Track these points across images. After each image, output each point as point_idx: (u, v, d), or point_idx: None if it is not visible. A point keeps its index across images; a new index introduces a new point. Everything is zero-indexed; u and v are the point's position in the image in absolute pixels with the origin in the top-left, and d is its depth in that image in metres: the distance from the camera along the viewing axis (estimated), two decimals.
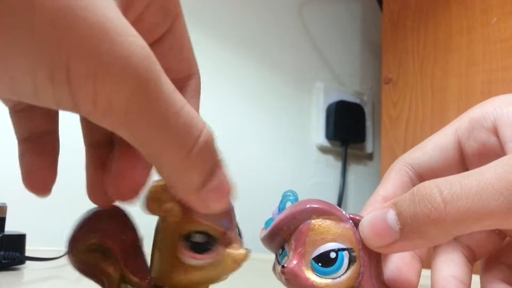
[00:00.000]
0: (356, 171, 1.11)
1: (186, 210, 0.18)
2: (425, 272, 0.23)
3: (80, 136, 0.21)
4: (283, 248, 0.20)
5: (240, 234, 0.20)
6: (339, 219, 0.20)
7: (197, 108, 0.21)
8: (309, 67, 1.06)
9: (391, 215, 0.18)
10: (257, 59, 0.98)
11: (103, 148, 0.20)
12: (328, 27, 1.10)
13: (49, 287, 0.45)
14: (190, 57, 0.20)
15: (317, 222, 0.19)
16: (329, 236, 0.19)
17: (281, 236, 0.20)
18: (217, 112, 0.91)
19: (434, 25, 0.87)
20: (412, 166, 0.23)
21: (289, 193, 0.21)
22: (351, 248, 0.19)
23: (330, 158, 1.07)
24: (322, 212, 0.20)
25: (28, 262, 0.51)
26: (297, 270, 0.19)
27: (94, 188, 0.20)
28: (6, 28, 0.12)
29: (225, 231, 0.19)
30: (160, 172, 0.16)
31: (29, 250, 0.51)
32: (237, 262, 0.19)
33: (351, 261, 0.19)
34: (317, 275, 0.19)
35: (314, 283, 0.19)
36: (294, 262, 0.19)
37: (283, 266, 0.19)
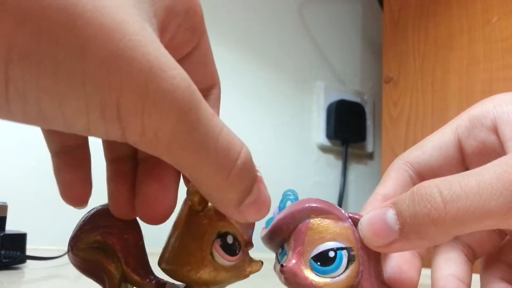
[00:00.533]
0: (356, 170, 1.11)
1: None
2: (425, 271, 0.23)
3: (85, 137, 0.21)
4: (282, 248, 0.20)
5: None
6: (338, 218, 0.20)
7: (218, 115, 0.22)
8: (309, 67, 1.06)
9: (391, 215, 0.18)
10: (258, 58, 0.98)
11: (125, 162, 0.20)
12: (329, 27, 1.10)
13: (50, 286, 0.45)
14: (214, 70, 0.22)
15: (315, 221, 0.19)
16: (328, 235, 0.19)
17: (280, 236, 0.20)
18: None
19: (435, 24, 0.87)
20: (412, 165, 0.23)
21: (289, 192, 0.21)
22: (350, 247, 0.19)
23: (330, 157, 1.07)
24: (321, 211, 0.20)
25: (28, 261, 0.51)
26: (296, 269, 0.19)
27: (118, 203, 0.20)
28: (61, 75, 0.12)
29: (249, 239, 0.20)
30: (201, 190, 0.17)
31: (30, 249, 0.51)
32: (252, 272, 0.19)
33: (350, 260, 0.19)
34: (316, 274, 0.19)
35: (313, 282, 0.19)
36: (293, 261, 0.19)
37: (282, 265, 0.19)
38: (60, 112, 0.13)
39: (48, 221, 0.71)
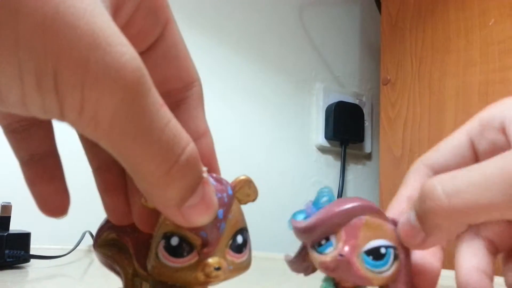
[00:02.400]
0: (355, 171, 1.12)
1: None
2: (445, 273, 0.23)
3: (78, 138, 0.21)
4: (327, 239, 0.21)
5: (238, 248, 0.20)
6: (386, 219, 0.21)
7: (202, 117, 0.21)
8: (309, 69, 1.06)
9: (413, 217, 0.20)
10: (258, 60, 0.99)
11: (111, 171, 0.20)
12: (328, 30, 1.11)
13: (54, 285, 0.45)
14: (188, 65, 0.20)
15: (370, 218, 0.21)
16: (380, 232, 0.20)
17: (328, 227, 0.21)
18: (218, 113, 0.92)
19: (432, 27, 0.88)
20: (431, 167, 0.24)
21: (325, 190, 0.22)
22: (395, 246, 0.21)
23: (329, 158, 1.07)
24: (374, 211, 0.21)
25: (32, 261, 0.51)
26: (352, 259, 0.20)
27: (114, 214, 0.20)
28: None
29: (203, 242, 0.18)
30: (138, 185, 0.16)
31: (34, 249, 0.52)
32: (209, 277, 0.18)
33: (395, 258, 0.20)
34: (366, 267, 0.20)
35: (365, 274, 0.20)
36: (348, 251, 0.20)
37: (341, 255, 0.20)
38: None
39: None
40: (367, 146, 1.12)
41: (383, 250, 0.20)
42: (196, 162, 0.16)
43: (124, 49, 0.13)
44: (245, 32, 0.98)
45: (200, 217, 0.16)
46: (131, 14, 0.17)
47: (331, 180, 1.07)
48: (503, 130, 0.22)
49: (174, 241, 0.18)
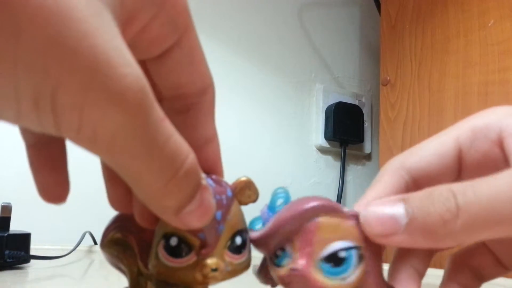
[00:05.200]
0: (354, 171, 1.12)
1: None
2: (431, 271, 0.23)
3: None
4: (282, 249, 0.19)
5: (237, 249, 0.20)
6: (345, 216, 0.19)
7: (212, 122, 0.21)
8: (308, 69, 1.07)
9: (400, 208, 0.18)
10: (258, 61, 0.99)
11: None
12: (328, 30, 1.11)
13: (54, 286, 0.46)
14: (203, 71, 0.20)
15: (325, 220, 0.18)
16: (338, 234, 0.18)
17: (281, 236, 0.19)
18: (218, 113, 0.92)
19: (432, 28, 0.88)
20: (409, 171, 0.22)
21: (279, 191, 0.20)
22: (359, 246, 0.18)
23: (329, 159, 1.08)
24: (330, 210, 0.19)
25: (33, 261, 0.51)
26: (307, 272, 0.18)
27: (116, 203, 0.20)
28: None
29: (201, 243, 0.18)
30: (135, 192, 0.16)
31: (34, 249, 0.52)
32: (206, 277, 0.18)
33: (360, 260, 0.18)
34: (326, 276, 0.18)
35: (324, 284, 0.18)
36: (303, 263, 0.18)
37: (292, 269, 0.18)
38: None
39: (52, 221, 0.71)
40: (367, 147, 1.12)
41: (342, 254, 0.18)
42: (194, 172, 0.16)
43: (127, 70, 0.13)
44: (244, 33, 0.98)
45: (197, 221, 0.17)
46: (148, 21, 0.16)
47: (331, 180, 1.07)
48: (499, 143, 0.21)
49: (173, 241, 0.18)
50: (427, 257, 0.22)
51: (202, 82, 0.20)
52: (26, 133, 0.19)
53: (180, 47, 0.18)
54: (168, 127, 0.15)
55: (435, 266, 0.23)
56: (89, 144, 0.13)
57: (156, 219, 0.19)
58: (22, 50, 0.11)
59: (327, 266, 0.18)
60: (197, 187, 0.16)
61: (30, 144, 0.19)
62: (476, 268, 0.23)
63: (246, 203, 0.20)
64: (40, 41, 0.11)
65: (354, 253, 0.18)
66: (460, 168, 0.22)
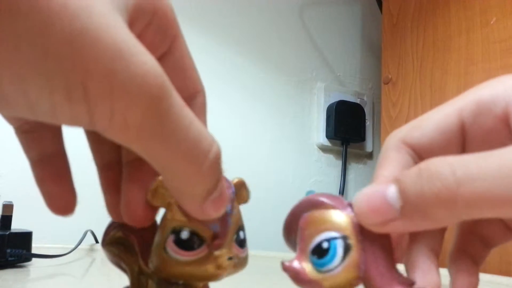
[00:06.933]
0: (356, 170, 1.12)
1: (181, 206, 0.19)
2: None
3: (85, 139, 0.21)
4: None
5: (241, 243, 0.20)
6: (336, 207, 0.18)
7: (204, 125, 0.22)
8: (310, 68, 1.07)
9: (392, 191, 0.17)
10: (259, 60, 0.99)
11: (114, 170, 0.21)
12: (329, 29, 1.11)
13: (55, 284, 0.46)
14: (193, 76, 0.21)
15: (314, 213, 0.19)
16: (325, 225, 0.18)
17: (292, 235, 0.19)
18: (219, 112, 0.92)
19: (433, 26, 0.88)
20: (412, 147, 0.21)
21: (309, 193, 0.21)
22: (345, 236, 0.18)
23: (330, 157, 1.08)
24: (321, 204, 0.19)
25: (34, 259, 0.52)
26: (295, 267, 0.18)
27: (113, 209, 0.21)
28: (22, 50, 0.12)
29: (213, 234, 0.19)
30: (169, 183, 0.17)
31: (36, 248, 0.52)
32: (220, 268, 0.19)
33: (347, 250, 0.18)
34: (314, 268, 0.18)
35: (312, 278, 0.18)
36: (295, 259, 0.18)
37: (283, 263, 0.18)
38: (22, 91, 0.13)
39: (53, 220, 0.71)
40: (368, 145, 1.12)
41: (325, 245, 0.18)
42: (221, 159, 0.17)
43: (145, 58, 0.14)
44: (245, 31, 0.98)
45: (216, 211, 0.17)
46: (143, 28, 0.17)
47: (332, 179, 1.07)
48: (504, 119, 0.19)
49: (185, 234, 0.19)
50: (440, 233, 0.21)
51: (193, 88, 0.21)
52: (30, 150, 0.20)
53: (172, 54, 0.19)
54: (190, 112, 0.15)
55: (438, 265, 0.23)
56: (121, 132, 0.14)
57: (147, 219, 0.19)
58: (51, 42, 0.12)
59: (314, 258, 0.18)
60: (221, 174, 0.17)
61: (35, 161, 0.20)
62: (485, 235, 0.22)
63: (239, 203, 0.21)
64: (67, 33, 0.12)
65: (338, 243, 0.18)
66: (464, 142, 0.21)
